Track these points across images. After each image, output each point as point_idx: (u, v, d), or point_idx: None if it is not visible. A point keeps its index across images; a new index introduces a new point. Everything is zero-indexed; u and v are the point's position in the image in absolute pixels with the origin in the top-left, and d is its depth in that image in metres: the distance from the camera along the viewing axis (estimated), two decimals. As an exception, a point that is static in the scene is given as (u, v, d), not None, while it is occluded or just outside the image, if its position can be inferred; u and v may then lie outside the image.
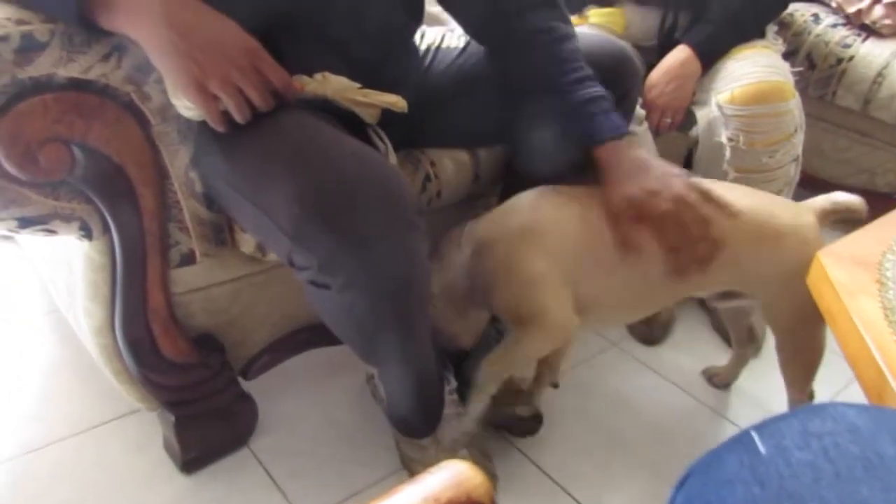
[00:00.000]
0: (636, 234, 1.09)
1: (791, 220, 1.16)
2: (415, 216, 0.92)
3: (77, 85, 0.90)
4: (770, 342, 1.59)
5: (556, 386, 1.38)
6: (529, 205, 1.16)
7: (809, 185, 2.00)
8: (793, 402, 1.28)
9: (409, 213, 0.92)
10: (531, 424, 1.32)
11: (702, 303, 1.72)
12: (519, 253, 1.12)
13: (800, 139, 1.52)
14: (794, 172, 1.54)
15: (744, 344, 1.46)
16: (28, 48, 0.85)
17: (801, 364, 1.24)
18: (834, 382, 1.46)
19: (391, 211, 0.90)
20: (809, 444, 0.37)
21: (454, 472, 0.45)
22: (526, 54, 1.16)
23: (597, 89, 1.14)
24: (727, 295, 1.25)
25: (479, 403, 1.19)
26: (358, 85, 1.02)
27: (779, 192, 1.53)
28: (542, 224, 1.13)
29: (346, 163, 0.92)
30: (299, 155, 0.93)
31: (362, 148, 0.97)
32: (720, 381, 1.51)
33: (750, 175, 1.49)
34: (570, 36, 1.17)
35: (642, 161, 1.13)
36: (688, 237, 1.09)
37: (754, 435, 0.40)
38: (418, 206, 0.93)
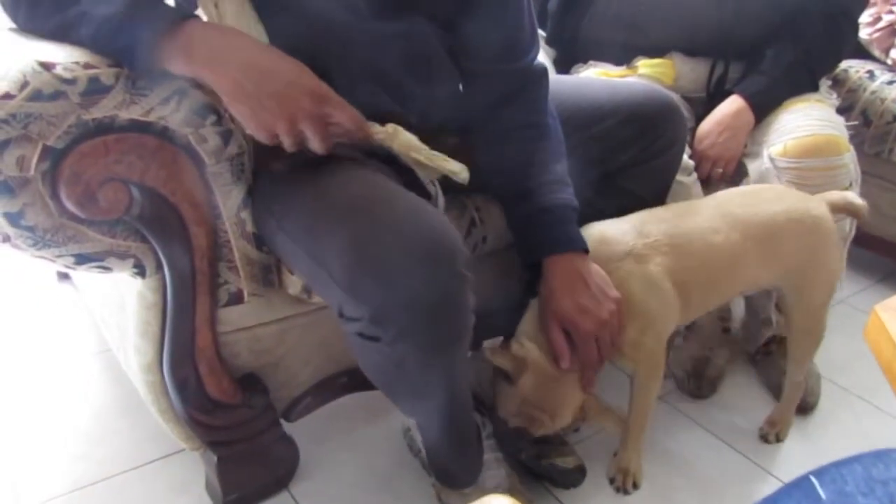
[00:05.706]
0: (562, 344, 1.12)
1: (813, 211, 1.28)
2: (464, 269, 0.92)
3: (137, 127, 0.93)
4: (822, 402, 1.55)
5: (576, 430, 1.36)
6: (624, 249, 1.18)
7: (865, 242, 1.95)
8: (794, 383, 1.42)
9: (459, 267, 0.91)
10: (574, 476, 1.28)
11: (751, 358, 1.68)
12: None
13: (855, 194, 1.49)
14: (849, 228, 1.51)
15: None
16: (94, 91, 0.88)
17: (813, 342, 1.39)
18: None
19: (443, 266, 0.90)
20: (874, 490, 0.35)
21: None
22: (499, 149, 1.18)
23: (557, 196, 1.14)
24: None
25: None
26: (425, 146, 1.02)
27: (834, 247, 1.50)
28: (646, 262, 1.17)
29: (399, 217, 0.92)
30: (355, 208, 0.94)
31: (417, 202, 0.97)
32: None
33: (803, 228, 1.46)
34: (547, 135, 1.18)
35: (582, 276, 1.12)
36: (594, 360, 1.13)
37: (814, 480, 0.38)
38: (467, 260, 0.93)
